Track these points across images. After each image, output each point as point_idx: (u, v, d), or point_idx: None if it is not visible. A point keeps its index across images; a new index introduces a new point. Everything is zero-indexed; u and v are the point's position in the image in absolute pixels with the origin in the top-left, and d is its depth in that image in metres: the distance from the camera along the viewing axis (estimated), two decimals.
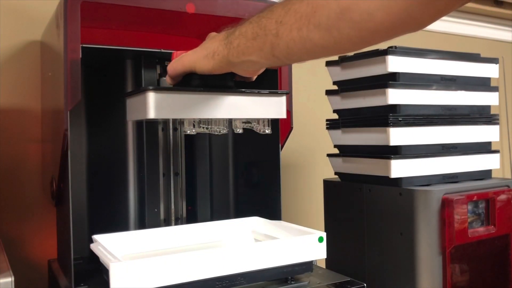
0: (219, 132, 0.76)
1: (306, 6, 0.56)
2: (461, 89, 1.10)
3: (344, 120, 1.12)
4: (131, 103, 0.78)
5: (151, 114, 0.70)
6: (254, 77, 0.78)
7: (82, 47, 0.73)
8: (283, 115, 0.82)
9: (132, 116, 0.79)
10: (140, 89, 0.73)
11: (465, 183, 1.06)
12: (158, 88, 0.72)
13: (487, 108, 1.16)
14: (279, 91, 0.83)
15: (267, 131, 0.82)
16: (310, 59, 0.63)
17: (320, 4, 0.55)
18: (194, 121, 0.74)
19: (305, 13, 0.56)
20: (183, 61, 0.71)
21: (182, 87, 0.72)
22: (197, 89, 0.72)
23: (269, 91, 0.80)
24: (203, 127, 0.74)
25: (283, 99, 0.81)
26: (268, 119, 0.82)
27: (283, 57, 0.61)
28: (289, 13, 0.58)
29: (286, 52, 0.60)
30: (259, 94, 0.79)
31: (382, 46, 1.09)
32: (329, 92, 1.20)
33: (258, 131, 0.82)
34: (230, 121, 0.81)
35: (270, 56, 0.62)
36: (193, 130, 0.75)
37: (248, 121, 0.81)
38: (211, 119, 0.76)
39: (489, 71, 1.18)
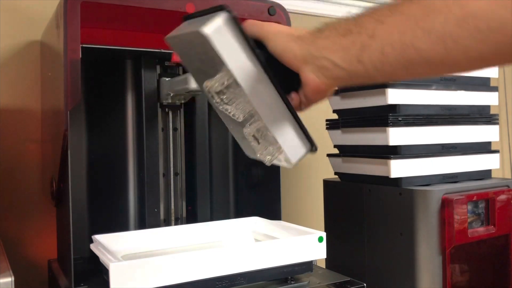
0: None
1: (417, 7, 0.47)
2: (461, 89, 1.10)
3: (344, 120, 1.12)
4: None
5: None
6: (305, 109, 0.62)
7: (82, 47, 0.73)
8: None
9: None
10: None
11: (465, 183, 1.06)
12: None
13: (487, 108, 1.16)
14: None
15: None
16: (403, 77, 0.53)
17: (435, 7, 0.45)
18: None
19: (414, 14, 0.47)
20: (263, 25, 0.59)
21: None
22: None
23: None
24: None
25: None
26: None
27: (370, 66, 0.50)
28: (394, 13, 0.49)
29: (378, 59, 0.49)
30: None
31: None
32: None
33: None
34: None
35: (355, 61, 0.51)
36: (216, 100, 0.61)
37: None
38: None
39: (489, 71, 1.18)
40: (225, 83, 0.55)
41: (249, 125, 0.58)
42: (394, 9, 0.49)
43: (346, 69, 0.52)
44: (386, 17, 0.49)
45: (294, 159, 0.58)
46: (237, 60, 0.54)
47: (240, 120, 0.58)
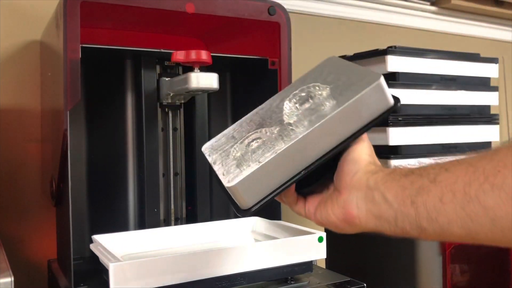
0: None
1: (488, 162, 0.42)
2: (461, 89, 1.10)
3: None
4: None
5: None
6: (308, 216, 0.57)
7: (81, 47, 0.73)
8: None
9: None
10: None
11: None
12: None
13: (487, 108, 1.16)
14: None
15: None
16: (457, 235, 0.44)
17: (509, 164, 0.40)
18: None
19: (483, 167, 0.42)
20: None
21: None
22: None
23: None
24: None
25: None
26: None
27: (423, 212, 0.44)
28: (462, 163, 0.44)
29: (434, 206, 0.43)
30: None
31: (382, 45, 1.09)
32: None
33: None
34: None
35: (408, 202, 0.45)
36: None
37: None
38: None
39: (489, 71, 1.18)
40: (320, 100, 0.53)
41: (260, 133, 0.55)
42: (462, 160, 0.45)
43: (396, 208, 0.46)
44: (452, 165, 0.45)
45: (229, 179, 0.52)
46: (351, 110, 0.51)
47: (274, 127, 0.54)
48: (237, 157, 0.53)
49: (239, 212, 0.53)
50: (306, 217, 0.56)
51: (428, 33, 1.70)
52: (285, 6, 0.92)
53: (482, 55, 1.20)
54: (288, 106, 0.55)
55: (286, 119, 0.53)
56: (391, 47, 1.03)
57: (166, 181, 0.97)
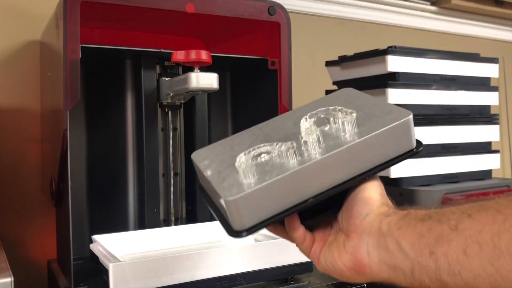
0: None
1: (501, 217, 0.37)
2: (461, 89, 1.10)
3: None
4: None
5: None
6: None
7: (81, 47, 0.73)
8: None
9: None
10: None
11: (465, 183, 1.06)
12: None
13: (487, 108, 1.16)
14: None
15: None
16: None
17: None
18: None
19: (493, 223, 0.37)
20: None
21: None
22: None
23: None
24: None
25: None
26: None
27: (444, 264, 0.39)
28: (487, 209, 0.39)
29: (457, 258, 0.38)
30: None
31: (382, 45, 1.09)
32: (329, 92, 1.20)
33: None
34: None
35: (426, 252, 0.40)
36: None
37: None
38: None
39: (489, 71, 1.18)
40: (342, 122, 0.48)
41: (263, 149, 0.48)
42: (487, 205, 0.39)
43: (412, 258, 0.41)
44: (476, 211, 0.39)
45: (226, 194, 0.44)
46: (371, 142, 0.47)
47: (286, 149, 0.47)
48: (241, 168, 0.46)
49: (230, 233, 0.46)
50: (310, 258, 0.50)
51: (428, 33, 1.70)
52: (285, 6, 0.92)
53: (482, 55, 1.20)
54: (305, 125, 0.49)
55: (303, 136, 0.47)
56: (391, 47, 1.03)
57: (166, 181, 0.97)
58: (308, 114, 0.49)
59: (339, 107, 0.49)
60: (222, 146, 0.52)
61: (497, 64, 1.20)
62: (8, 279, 0.61)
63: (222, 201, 0.44)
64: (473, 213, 0.39)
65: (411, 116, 0.47)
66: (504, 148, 1.76)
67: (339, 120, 0.48)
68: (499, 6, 1.77)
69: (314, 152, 0.46)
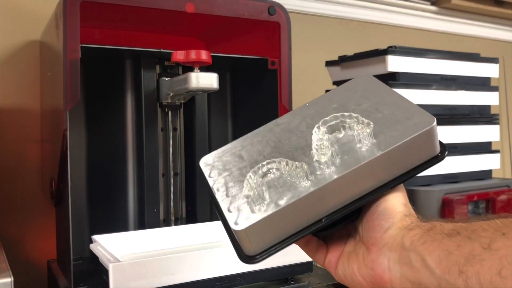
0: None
1: None
2: (461, 89, 1.10)
3: None
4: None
5: None
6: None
7: (81, 47, 0.73)
8: None
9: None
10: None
11: (466, 183, 1.06)
12: None
13: (487, 108, 1.16)
14: None
15: None
16: None
17: None
18: None
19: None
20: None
21: None
22: None
23: None
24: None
25: None
26: None
27: (475, 286, 0.36)
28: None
29: (490, 280, 0.36)
30: None
31: (382, 45, 1.09)
32: None
33: None
34: None
35: (455, 271, 0.38)
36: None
37: None
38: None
39: (489, 71, 1.18)
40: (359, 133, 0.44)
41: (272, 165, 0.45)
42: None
43: (439, 276, 0.38)
44: (511, 229, 0.37)
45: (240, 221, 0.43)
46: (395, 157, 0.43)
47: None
48: (250, 190, 0.43)
49: (242, 258, 0.45)
50: (325, 268, 0.48)
51: (428, 33, 1.70)
52: (285, 6, 0.92)
53: (482, 55, 1.20)
54: (316, 136, 0.45)
55: (314, 154, 0.44)
56: (391, 47, 1.03)
57: (166, 181, 0.97)
58: (321, 122, 0.46)
59: (355, 115, 0.45)
60: (231, 152, 0.49)
61: (497, 64, 1.20)
62: (8, 279, 0.61)
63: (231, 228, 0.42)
64: (508, 232, 0.36)
65: (435, 123, 0.43)
66: (504, 148, 1.76)
67: (355, 129, 0.44)
68: (499, 6, 1.77)
69: (328, 170, 0.43)
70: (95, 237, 0.82)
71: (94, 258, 0.78)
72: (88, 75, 0.91)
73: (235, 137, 1.08)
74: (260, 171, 0.44)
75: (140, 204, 0.94)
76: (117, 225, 0.94)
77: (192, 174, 0.98)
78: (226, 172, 0.47)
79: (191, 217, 0.99)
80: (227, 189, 0.45)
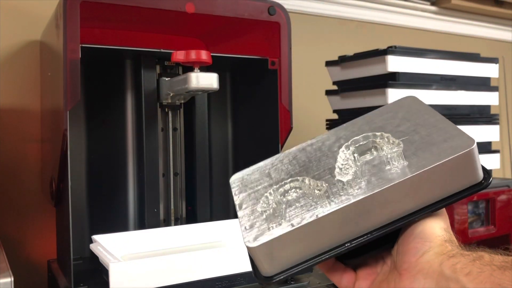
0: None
1: None
2: (461, 89, 1.10)
3: (344, 120, 1.12)
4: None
5: None
6: None
7: (81, 47, 0.73)
8: None
9: None
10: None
11: None
12: None
13: (487, 108, 1.16)
14: None
15: None
16: None
17: None
18: None
19: None
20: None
21: None
22: None
23: None
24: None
25: None
26: None
27: None
28: None
29: None
30: None
31: (382, 45, 1.09)
32: (329, 92, 1.20)
33: None
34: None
35: None
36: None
37: None
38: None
39: (489, 71, 1.18)
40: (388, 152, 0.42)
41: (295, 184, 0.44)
42: None
43: None
44: None
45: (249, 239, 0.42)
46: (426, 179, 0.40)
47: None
48: (266, 208, 0.42)
49: (258, 278, 0.43)
50: None
51: (428, 33, 1.70)
52: (285, 6, 0.92)
53: (482, 55, 1.20)
54: (343, 155, 0.43)
55: (337, 174, 0.42)
56: (391, 47, 1.03)
57: (166, 181, 0.97)
58: (351, 141, 0.44)
59: (386, 134, 0.43)
60: (260, 171, 0.48)
61: (497, 64, 1.20)
62: (8, 279, 0.61)
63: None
64: None
65: (474, 146, 0.39)
66: (504, 148, 1.76)
67: (385, 150, 0.42)
68: (499, 6, 1.77)
69: (352, 191, 0.40)
70: (95, 237, 0.82)
71: (94, 258, 0.78)
72: (88, 75, 0.92)
73: (235, 137, 1.08)
74: (281, 189, 0.43)
75: (140, 204, 0.94)
76: (117, 225, 0.94)
77: (192, 174, 0.98)
78: (251, 190, 0.45)
79: (191, 217, 0.99)
80: (249, 206, 0.44)
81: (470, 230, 0.96)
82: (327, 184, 0.42)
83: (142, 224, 0.93)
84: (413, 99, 0.49)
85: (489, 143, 1.16)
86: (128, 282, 0.65)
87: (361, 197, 0.39)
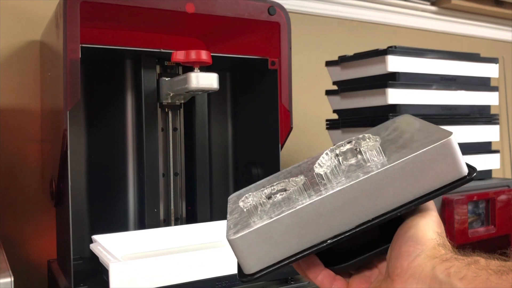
0: None
1: None
2: (461, 89, 1.10)
3: (344, 120, 1.12)
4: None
5: None
6: None
7: (81, 47, 0.73)
8: None
9: None
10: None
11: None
12: None
13: (487, 108, 1.16)
14: None
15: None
16: None
17: None
18: None
19: None
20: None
21: None
22: None
23: None
24: None
25: None
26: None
27: None
28: None
29: None
30: None
31: (382, 45, 1.09)
32: (329, 92, 1.20)
33: None
34: None
35: None
36: None
37: None
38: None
39: (489, 71, 1.18)
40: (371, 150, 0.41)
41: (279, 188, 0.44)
42: None
43: None
44: None
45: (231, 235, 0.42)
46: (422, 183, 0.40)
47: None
48: (252, 206, 0.42)
49: (240, 276, 0.43)
50: None
51: (428, 33, 1.70)
52: (285, 6, 0.92)
53: (482, 55, 1.20)
54: (326, 157, 0.43)
55: (317, 168, 0.41)
56: (391, 47, 1.03)
57: (166, 181, 0.97)
58: (335, 146, 0.44)
59: (367, 135, 0.43)
60: (256, 185, 0.50)
61: (497, 64, 1.20)
62: (8, 279, 0.61)
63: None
64: None
65: (451, 137, 0.39)
66: (504, 148, 1.76)
67: (363, 148, 0.42)
68: (499, 6, 1.77)
69: (331, 185, 0.40)
70: (95, 237, 0.82)
71: (94, 258, 0.78)
72: (88, 75, 0.92)
73: (235, 137, 1.08)
74: (266, 190, 0.43)
75: (140, 204, 0.94)
76: (117, 225, 0.94)
77: (192, 174, 0.98)
78: (242, 198, 0.46)
79: (191, 217, 0.99)
80: (238, 212, 0.45)
81: (470, 230, 0.96)
82: (306, 178, 0.42)
83: (142, 224, 0.93)
84: (408, 116, 0.50)
85: (489, 143, 1.16)
86: (128, 282, 0.66)
87: (338, 188, 0.39)
